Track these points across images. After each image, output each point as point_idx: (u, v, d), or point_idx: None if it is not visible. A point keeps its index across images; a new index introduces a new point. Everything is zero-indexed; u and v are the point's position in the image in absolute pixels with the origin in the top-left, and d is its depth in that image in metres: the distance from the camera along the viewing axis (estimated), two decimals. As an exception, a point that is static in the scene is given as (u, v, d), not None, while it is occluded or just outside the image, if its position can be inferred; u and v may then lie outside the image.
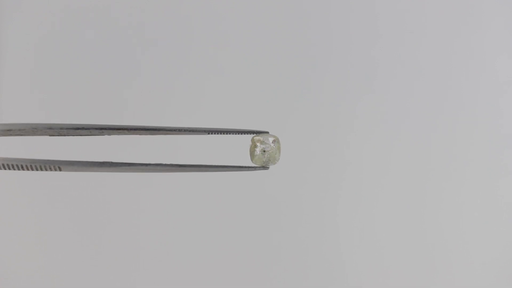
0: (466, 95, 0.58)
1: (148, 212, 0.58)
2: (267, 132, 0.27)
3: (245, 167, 0.26)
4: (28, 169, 0.26)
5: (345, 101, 0.58)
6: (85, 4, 0.57)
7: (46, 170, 0.26)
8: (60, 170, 0.26)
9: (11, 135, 0.27)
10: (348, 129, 0.58)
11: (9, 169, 0.26)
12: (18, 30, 0.57)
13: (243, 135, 0.27)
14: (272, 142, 0.26)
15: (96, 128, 0.27)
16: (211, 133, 0.27)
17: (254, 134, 0.27)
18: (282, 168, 0.57)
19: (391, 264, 0.58)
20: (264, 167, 0.26)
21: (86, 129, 0.27)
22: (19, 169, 0.26)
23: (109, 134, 0.27)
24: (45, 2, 0.57)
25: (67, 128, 0.27)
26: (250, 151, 0.26)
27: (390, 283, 0.57)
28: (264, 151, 0.26)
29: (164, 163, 0.26)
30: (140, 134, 0.27)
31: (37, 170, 0.26)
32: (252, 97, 0.57)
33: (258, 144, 0.26)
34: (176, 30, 0.58)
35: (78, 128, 0.27)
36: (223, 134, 0.27)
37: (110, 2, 0.57)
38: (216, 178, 0.56)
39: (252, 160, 0.26)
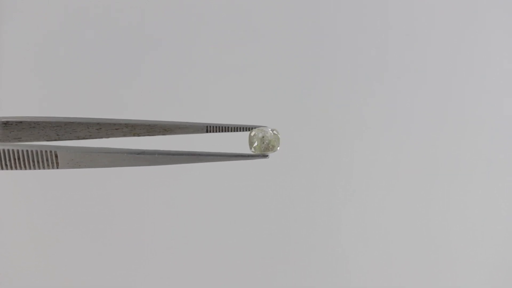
0: (471, 96, 0.58)
1: (152, 210, 0.57)
2: (265, 126, 0.27)
3: (245, 155, 0.26)
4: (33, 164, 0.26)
5: (353, 101, 0.58)
6: (85, 4, 0.57)
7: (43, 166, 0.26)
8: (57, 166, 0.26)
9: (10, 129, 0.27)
10: (355, 129, 0.58)
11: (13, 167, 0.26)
12: (18, 29, 0.56)
13: (241, 132, 0.27)
14: (271, 131, 0.26)
15: (93, 123, 0.27)
16: (209, 131, 0.27)
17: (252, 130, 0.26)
18: (287, 167, 0.57)
19: (396, 262, 0.58)
20: (264, 155, 0.26)
21: (84, 123, 0.27)
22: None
23: (107, 133, 0.27)
24: (45, 1, 0.57)
25: (65, 122, 0.26)
26: (249, 141, 0.26)
27: (394, 280, 0.57)
28: (263, 137, 0.26)
29: (159, 150, 0.26)
30: (138, 134, 0.27)
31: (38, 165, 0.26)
32: (260, 96, 0.57)
33: (256, 132, 0.26)
34: (175, 28, 0.57)
35: (75, 122, 0.27)
36: (222, 131, 0.27)
37: (110, 1, 0.57)
38: (219, 174, 0.56)
39: (251, 148, 0.26)
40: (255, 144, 0.26)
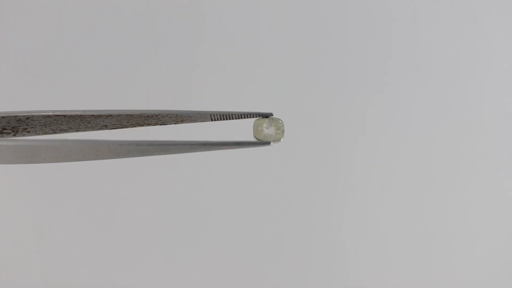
0: (473, 95, 0.58)
1: (151, 209, 0.56)
2: (271, 114, 0.25)
3: (246, 142, 0.25)
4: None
5: (354, 99, 0.58)
6: (86, 3, 0.57)
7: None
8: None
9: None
10: (356, 127, 0.58)
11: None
12: (18, 28, 0.56)
13: (246, 119, 0.25)
14: (275, 128, 0.25)
15: (94, 115, 0.26)
16: (214, 119, 0.26)
17: (257, 118, 0.25)
18: (287, 164, 0.56)
19: (395, 263, 0.57)
20: (265, 142, 0.25)
21: (86, 116, 0.25)
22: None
23: (111, 127, 0.26)
24: (44, 1, 0.56)
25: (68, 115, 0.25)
26: (254, 133, 0.25)
27: (393, 281, 0.57)
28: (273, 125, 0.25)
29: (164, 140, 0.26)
30: (139, 125, 0.26)
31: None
32: (263, 87, 0.57)
33: (260, 128, 0.25)
34: (178, 17, 0.57)
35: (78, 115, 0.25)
36: (227, 119, 0.26)
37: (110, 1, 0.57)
38: (220, 171, 0.56)
39: (257, 132, 0.25)
40: (264, 126, 0.25)
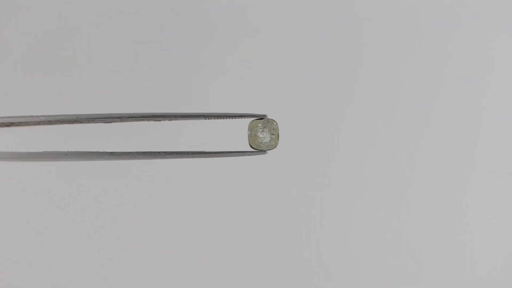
0: (488, 98, 0.57)
1: (152, 210, 0.55)
2: (265, 116, 0.26)
3: (241, 152, 0.26)
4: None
5: (363, 99, 0.56)
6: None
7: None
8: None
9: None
10: (364, 128, 0.56)
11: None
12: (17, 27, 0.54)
13: (241, 120, 0.26)
14: (269, 133, 0.25)
15: (88, 118, 0.26)
16: (208, 118, 0.26)
17: (252, 119, 0.25)
18: (291, 164, 0.55)
19: (400, 265, 0.56)
20: (261, 151, 0.26)
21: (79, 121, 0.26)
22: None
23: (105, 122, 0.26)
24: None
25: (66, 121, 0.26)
26: (249, 138, 0.26)
27: (398, 284, 0.57)
28: (261, 143, 0.25)
29: (158, 150, 0.26)
30: (135, 121, 0.26)
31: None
32: (265, 90, 0.55)
33: (255, 132, 0.25)
34: (177, 18, 0.54)
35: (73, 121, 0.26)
36: (220, 118, 0.26)
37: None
38: (219, 174, 0.54)
39: (249, 143, 0.26)
40: (252, 141, 0.25)
